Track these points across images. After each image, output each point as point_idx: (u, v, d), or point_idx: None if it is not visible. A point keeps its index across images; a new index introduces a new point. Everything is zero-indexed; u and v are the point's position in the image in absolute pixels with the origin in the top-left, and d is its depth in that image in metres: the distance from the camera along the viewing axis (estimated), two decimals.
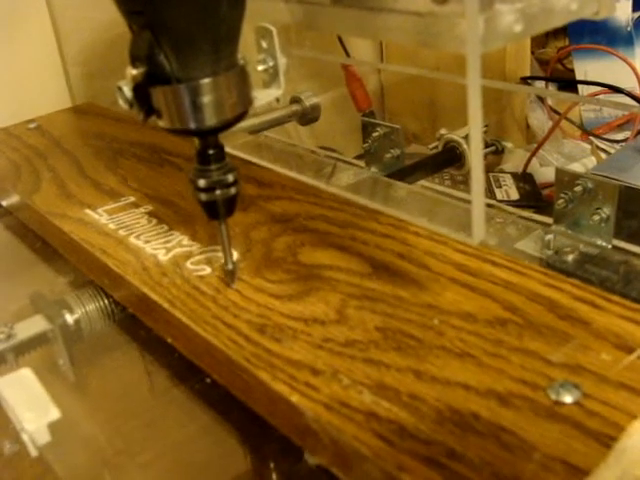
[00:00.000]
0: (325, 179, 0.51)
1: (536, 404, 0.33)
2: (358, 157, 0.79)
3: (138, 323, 0.49)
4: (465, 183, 0.80)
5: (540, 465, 0.30)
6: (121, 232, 0.53)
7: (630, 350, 0.35)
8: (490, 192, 0.77)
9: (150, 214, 0.55)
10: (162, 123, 0.39)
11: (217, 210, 0.42)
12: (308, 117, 0.79)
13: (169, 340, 0.45)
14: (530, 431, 0.31)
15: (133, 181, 0.61)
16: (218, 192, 0.41)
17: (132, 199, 0.58)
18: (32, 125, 0.79)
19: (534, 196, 0.77)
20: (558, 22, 0.33)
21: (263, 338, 0.40)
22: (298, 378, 0.36)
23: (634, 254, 0.52)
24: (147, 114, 0.39)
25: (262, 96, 0.42)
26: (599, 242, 0.55)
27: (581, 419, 0.32)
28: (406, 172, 0.66)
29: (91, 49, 0.81)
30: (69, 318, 0.51)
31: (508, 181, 0.80)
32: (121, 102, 0.38)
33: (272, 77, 0.47)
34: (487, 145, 0.66)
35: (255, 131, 0.78)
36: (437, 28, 0.31)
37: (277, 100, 0.47)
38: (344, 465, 0.34)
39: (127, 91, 0.38)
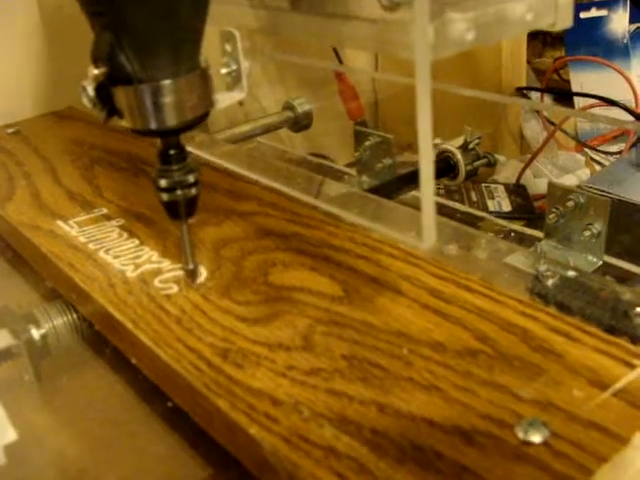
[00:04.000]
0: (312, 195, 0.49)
1: (502, 443, 0.31)
2: (350, 165, 0.78)
3: (107, 339, 0.48)
4: (459, 193, 0.79)
5: None
6: (91, 246, 0.51)
7: (604, 386, 0.34)
8: (482, 203, 0.76)
9: (122, 227, 0.54)
10: (124, 123, 0.39)
11: (178, 210, 0.42)
12: (300, 124, 0.79)
13: (133, 361, 0.44)
14: (494, 472, 0.30)
15: (107, 192, 0.59)
16: (179, 192, 0.41)
17: (105, 211, 0.56)
18: (10, 130, 0.78)
19: (526, 208, 0.76)
20: (513, 32, 0.33)
21: (225, 364, 0.38)
22: (258, 408, 0.35)
23: (620, 278, 0.51)
24: (109, 114, 0.39)
25: (224, 99, 0.42)
26: (590, 258, 0.54)
27: (548, 460, 0.30)
28: (399, 183, 0.64)
29: (74, 53, 0.80)
30: (35, 333, 0.49)
31: (501, 192, 0.78)
32: (85, 101, 0.38)
33: (235, 80, 0.46)
34: (479, 157, 0.65)
35: (247, 137, 0.77)
36: (389, 35, 0.31)
37: (240, 103, 0.46)
38: None
39: (90, 90, 0.38)
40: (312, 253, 0.47)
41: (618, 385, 0.34)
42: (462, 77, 0.87)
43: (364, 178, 0.69)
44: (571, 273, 0.47)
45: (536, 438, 0.31)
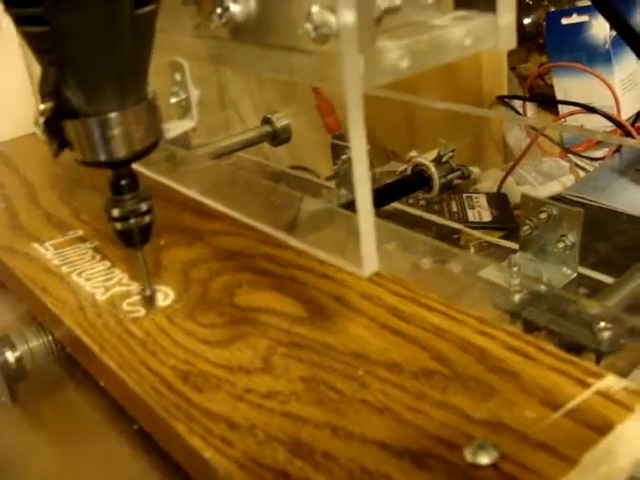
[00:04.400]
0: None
1: (451, 466, 0.32)
2: (330, 178, 0.78)
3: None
4: (439, 203, 0.79)
5: None
6: (64, 269, 0.52)
7: (556, 406, 0.34)
8: (463, 214, 0.76)
9: (95, 249, 0.54)
10: (75, 155, 0.40)
11: (132, 238, 0.42)
12: (279, 138, 0.79)
13: (102, 384, 0.44)
14: None
15: (85, 214, 0.60)
16: (132, 221, 0.42)
17: (80, 233, 0.57)
18: None
19: (506, 218, 0.76)
20: (451, 57, 0.33)
21: (185, 387, 0.39)
22: (214, 432, 0.35)
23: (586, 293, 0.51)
24: (60, 146, 0.40)
25: (175, 127, 0.43)
26: (564, 270, 0.54)
27: None
28: (374, 195, 0.65)
29: None
30: (10, 356, 0.50)
31: (482, 202, 0.78)
32: (39, 134, 0.39)
33: (185, 109, 0.46)
34: (453, 170, 0.65)
35: (226, 153, 0.77)
36: (323, 67, 0.31)
37: (193, 130, 0.47)
38: None
39: (41, 125, 0.38)
40: (278, 273, 0.48)
41: (570, 405, 0.34)
42: (442, 86, 0.88)
43: (342, 191, 0.69)
44: (542, 287, 0.47)
45: (484, 460, 0.32)
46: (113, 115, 0.38)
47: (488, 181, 0.86)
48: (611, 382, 0.35)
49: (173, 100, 0.46)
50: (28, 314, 0.54)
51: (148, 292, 0.45)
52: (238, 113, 0.93)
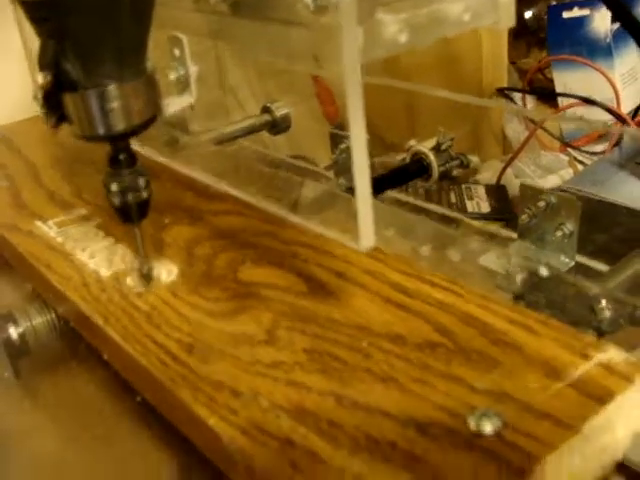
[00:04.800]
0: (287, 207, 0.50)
1: (454, 434, 0.32)
2: (329, 167, 0.78)
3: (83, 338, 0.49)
4: (438, 193, 0.79)
5: None
6: (68, 246, 0.52)
7: (558, 378, 0.34)
8: (461, 204, 0.77)
9: (98, 227, 0.54)
10: (73, 129, 0.40)
11: (130, 214, 0.43)
12: (279, 127, 0.79)
13: (105, 357, 0.45)
14: (444, 461, 0.31)
15: (87, 192, 0.60)
16: (130, 196, 0.42)
17: (83, 211, 0.57)
18: None
19: (505, 209, 0.76)
20: (450, 32, 0.33)
21: (190, 358, 0.39)
22: (219, 400, 0.36)
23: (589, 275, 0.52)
24: (59, 120, 0.40)
25: (174, 103, 0.43)
26: (562, 258, 0.54)
27: (498, 450, 0.31)
28: (372, 184, 0.65)
29: None
30: (13, 332, 0.50)
31: (480, 193, 0.79)
32: (39, 109, 0.39)
33: (184, 85, 0.47)
34: (452, 158, 0.65)
35: (226, 140, 0.77)
36: (322, 40, 0.31)
37: (191, 107, 0.47)
38: None
39: (40, 98, 0.39)
40: (281, 251, 0.48)
41: (572, 376, 0.34)
42: (442, 78, 0.88)
43: (341, 180, 0.69)
44: (542, 270, 0.48)
45: (487, 428, 0.32)
46: (112, 88, 0.38)
47: (487, 172, 0.86)
48: (612, 354, 0.36)
49: (172, 76, 0.47)
50: (32, 293, 0.54)
51: (145, 269, 0.45)
52: (237, 101, 0.93)
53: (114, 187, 0.42)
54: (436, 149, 0.66)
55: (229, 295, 0.44)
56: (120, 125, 0.39)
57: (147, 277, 0.46)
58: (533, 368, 0.35)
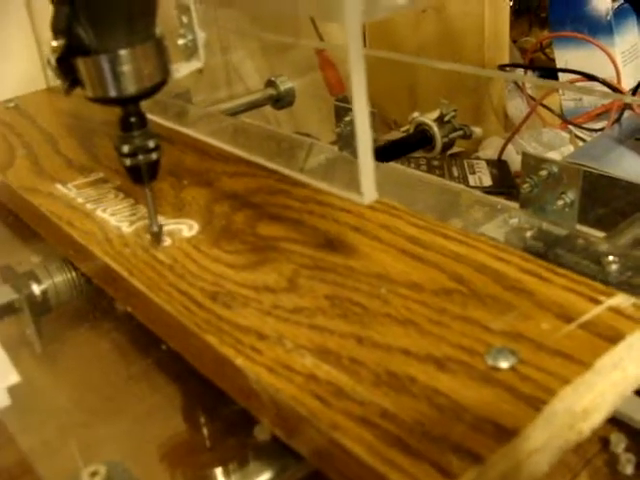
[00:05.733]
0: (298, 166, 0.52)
1: (472, 369, 0.34)
2: (333, 143, 0.80)
3: (104, 296, 0.50)
4: (441, 168, 0.81)
5: (470, 426, 0.30)
6: (88, 205, 0.54)
7: (570, 320, 0.36)
8: (463, 178, 0.78)
9: (118, 189, 0.56)
10: (86, 93, 0.42)
11: (141, 174, 0.44)
12: (283, 101, 0.80)
13: (129, 309, 0.46)
14: (463, 394, 0.32)
15: (104, 158, 0.62)
16: (141, 157, 0.43)
17: (101, 175, 0.59)
18: (11, 104, 0.80)
19: (507, 183, 0.78)
20: None
21: (214, 305, 0.40)
22: (244, 342, 0.37)
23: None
24: (72, 85, 0.42)
25: (183, 68, 0.44)
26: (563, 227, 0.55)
27: (514, 383, 0.32)
28: (377, 152, 0.66)
29: None
30: (36, 289, 0.52)
31: (482, 168, 0.80)
32: (52, 73, 0.41)
33: (192, 51, 0.48)
34: (455, 129, 0.67)
35: (230, 114, 0.79)
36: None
37: (200, 71, 0.49)
38: (285, 426, 0.35)
39: (53, 62, 0.40)
40: (298, 208, 0.49)
41: (583, 318, 0.36)
42: (444, 57, 0.89)
43: (345, 154, 0.71)
44: (548, 226, 0.49)
45: (504, 364, 0.33)
46: (123, 52, 0.40)
47: (489, 149, 0.87)
48: (621, 299, 0.37)
49: (180, 42, 0.48)
50: (50, 255, 0.56)
51: (155, 228, 0.47)
52: (240, 77, 0.94)
53: (125, 149, 0.43)
54: (439, 120, 0.67)
55: (249, 248, 0.45)
56: (131, 88, 0.41)
57: (157, 236, 0.47)
58: (545, 312, 0.37)
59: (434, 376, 0.33)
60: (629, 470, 0.39)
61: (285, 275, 0.42)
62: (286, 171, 0.43)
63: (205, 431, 0.44)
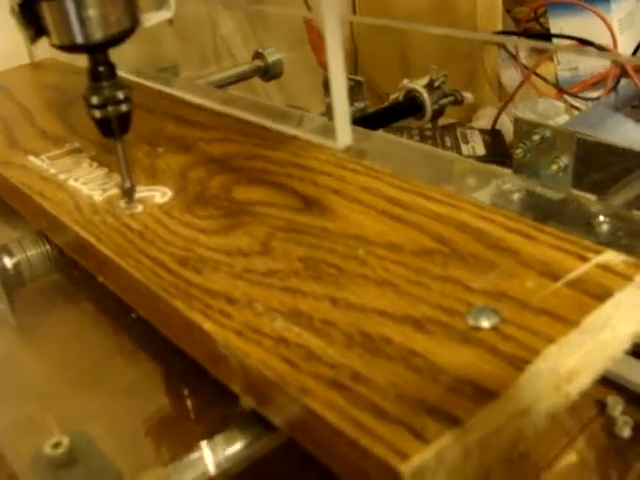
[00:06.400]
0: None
1: (451, 329, 0.32)
2: (323, 114, 0.78)
3: (79, 268, 0.48)
4: (433, 138, 0.79)
5: (447, 387, 0.29)
6: (61, 176, 0.52)
7: (556, 278, 0.34)
8: (456, 148, 0.76)
9: (92, 158, 0.54)
10: (51, 40, 0.40)
11: (111, 127, 0.43)
12: (270, 73, 0.79)
13: (100, 279, 0.44)
14: (442, 355, 0.30)
15: (80, 128, 0.60)
16: (110, 109, 0.42)
17: (76, 145, 0.57)
18: None
19: (500, 152, 0.76)
20: None
21: (184, 270, 0.39)
22: (213, 307, 0.35)
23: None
24: (37, 34, 0.40)
25: (153, 17, 0.43)
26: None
27: (496, 343, 0.30)
28: (365, 120, 0.65)
29: None
30: (8, 262, 0.50)
31: (476, 137, 0.78)
32: (15, 22, 0.39)
33: (162, 0, 0.46)
34: (445, 95, 0.65)
35: (219, 86, 0.77)
36: None
37: (170, 22, 0.47)
38: (255, 393, 0.33)
39: (17, 10, 0.39)
40: (276, 171, 0.47)
41: (570, 276, 0.34)
42: (436, 24, 0.87)
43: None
44: (540, 189, 0.47)
45: (485, 323, 0.32)
46: None
47: (483, 120, 0.85)
48: (610, 256, 0.35)
49: None
50: (25, 228, 0.54)
51: (127, 184, 0.45)
52: (229, 50, 0.92)
53: (94, 100, 0.42)
54: (429, 86, 0.65)
55: (223, 213, 0.44)
56: (98, 34, 0.39)
57: (129, 193, 0.45)
58: (530, 270, 0.35)
59: (411, 337, 0.32)
60: (626, 433, 0.38)
61: (259, 238, 0.40)
62: (261, 121, 0.41)
63: (188, 403, 0.43)
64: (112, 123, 0.43)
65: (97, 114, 0.43)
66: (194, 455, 0.33)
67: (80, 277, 0.50)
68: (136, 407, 0.43)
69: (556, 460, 0.37)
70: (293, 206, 0.43)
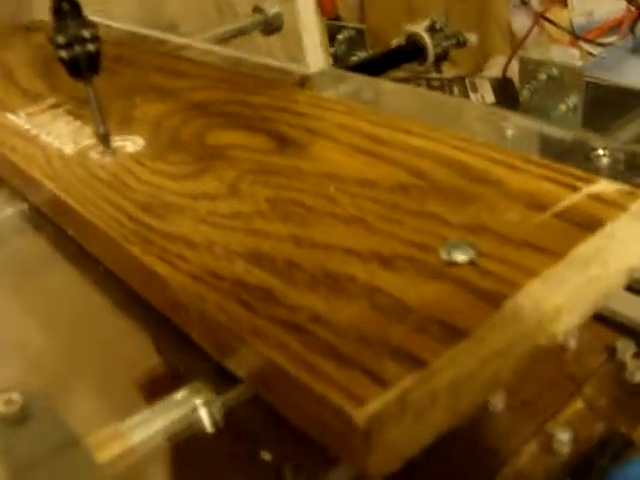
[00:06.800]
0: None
1: (422, 265, 0.29)
2: None
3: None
4: (441, 88, 0.76)
5: (413, 327, 0.26)
6: (35, 131, 0.50)
7: (543, 209, 0.31)
8: (465, 96, 0.73)
9: (68, 112, 0.52)
10: None
11: (80, 68, 0.41)
12: (272, 27, 0.76)
13: (70, 232, 0.42)
14: (409, 293, 0.27)
15: (63, 85, 0.57)
16: (77, 48, 0.41)
17: (54, 100, 0.55)
18: None
19: (511, 99, 0.72)
20: None
21: (146, 215, 0.36)
22: (171, 251, 0.33)
23: None
24: None
25: None
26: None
27: (472, 278, 0.28)
28: (366, 65, 0.62)
29: None
30: None
31: (485, 86, 0.75)
32: None
33: None
34: (447, 38, 0.62)
35: (219, 41, 0.75)
36: None
37: None
38: (212, 340, 0.31)
39: None
40: (251, 115, 0.45)
41: (558, 207, 0.31)
42: None
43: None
44: (538, 126, 0.44)
45: (461, 258, 0.29)
46: None
47: (494, 69, 0.82)
48: (603, 186, 0.32)
49: None
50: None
51: (102, 129, 0.43)
52: (229, 4, 0.89)
53: (60, 39, 0.40)
54: (431, 29, 0.62)
55: (194, 158, 0.41)
56: None
57: (105, 139, 0.43)
58: (514, 202, 0.32)
59: (377, 274, 0.29)
60: (638, 378, 0.36)
61: (226, 181, 0.38)
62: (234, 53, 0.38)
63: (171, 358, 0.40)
64: (80, 64, 0.41)
65: (64, 54, 0.41)
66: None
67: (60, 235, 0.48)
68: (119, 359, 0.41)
69: (562, 408, 0.35)
70: (266, 148, 0.40)
